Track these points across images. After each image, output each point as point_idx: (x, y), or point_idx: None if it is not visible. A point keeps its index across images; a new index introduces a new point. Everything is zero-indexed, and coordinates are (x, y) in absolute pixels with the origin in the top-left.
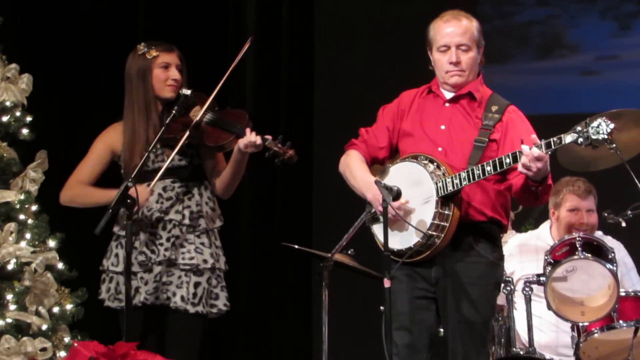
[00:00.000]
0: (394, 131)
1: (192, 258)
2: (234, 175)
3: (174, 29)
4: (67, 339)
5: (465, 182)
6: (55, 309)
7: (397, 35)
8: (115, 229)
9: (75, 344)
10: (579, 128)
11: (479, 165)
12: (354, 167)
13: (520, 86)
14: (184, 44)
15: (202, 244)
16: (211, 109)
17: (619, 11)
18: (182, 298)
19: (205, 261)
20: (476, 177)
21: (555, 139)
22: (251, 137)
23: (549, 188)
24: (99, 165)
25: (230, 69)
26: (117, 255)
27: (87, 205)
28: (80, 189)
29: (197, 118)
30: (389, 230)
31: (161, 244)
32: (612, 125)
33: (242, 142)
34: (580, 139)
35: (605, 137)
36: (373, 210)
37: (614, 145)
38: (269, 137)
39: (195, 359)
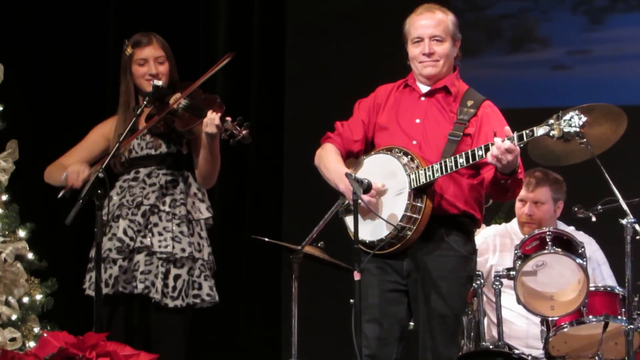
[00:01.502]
0: (369, 125)
1: (167, 246)
2: (206, 161)
3: (146, 16)
4: (36, 329)
5: (437, 174)
6: (25, 299)
7: (372, 28)
8: (103, 213)
9: (45, 334)
10: (551, 121)
11: (452, 158)
12: (328, 159)
13: (491, 80)
14: (155, 27)
15: (181, 232)
16: (189, 96)
17: (590, 5)
18: (159, 290)
19: (183, 250)
20: (449, 169)
21: (527, 132)
22: (210, 116)
23: (519, 182)
24: (88, 151)
25: (203, 78)
26: (100, 245)
27: (54, 181)
28: (54, 165)
29: (172, 106)
30: (361, 221)
31: (139, 231)
32: (584, 119)
33: (204, 125)
34: (553, 132)
35: (578, 130)
36: (346, 201)
37: (585, 139)
38: (228, 118)
39: (180, 351)
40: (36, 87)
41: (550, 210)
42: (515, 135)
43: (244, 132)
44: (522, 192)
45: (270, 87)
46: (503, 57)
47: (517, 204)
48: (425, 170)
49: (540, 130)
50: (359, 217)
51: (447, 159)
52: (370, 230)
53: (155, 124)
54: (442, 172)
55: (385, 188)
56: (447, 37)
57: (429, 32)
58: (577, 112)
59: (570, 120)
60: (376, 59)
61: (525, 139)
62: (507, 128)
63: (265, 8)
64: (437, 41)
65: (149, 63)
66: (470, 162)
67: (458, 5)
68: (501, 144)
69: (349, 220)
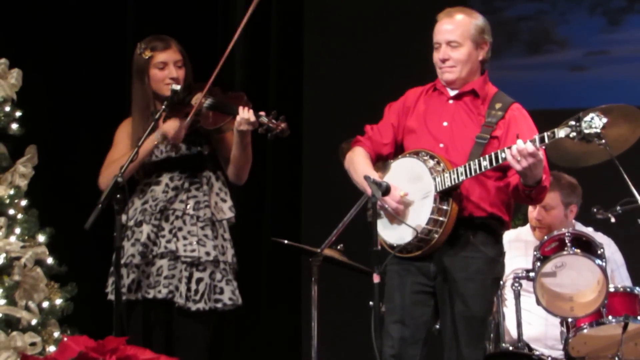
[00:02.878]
0: (399, 128)
1: (193, 250)
2: (239, 158)
3: (164, 20)
4: (56, 334)
5: (462, 177)
6: (45, 304)
7: (390, 27)
8: (123, 218)
9: (65, 339)
10: (572, 122)
11: (476, 160)
12: (357, 163)
13: (509, 82)
14: (173, 33)
15: (206, 235)
16: (211, 94)
17: (608, 7)
18: (183, 294)
19: (207, 254)
20: (473, 172)
21: (548, 134)
22: (244, 114)
23: (544, 190)
24: (124, 151)
25: (235, 37)
26: (123, 248)
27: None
28: (108, 166)
29: (197, 104)
30: (389, 225)
31: (163, 236)
32: (605, 120)
33: (236, 120)
34: (573, 133)
35: (598, 131)
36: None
37: (604, 140)
38: (262, 113)
39: (203, 356)
40: (55, 92)
41: (560, 215)
42: (537, 137)
43: (283, 125)
44: None
45: (289, 86)
46: (521, 59)
47: (529, 208)
48: (450, 173)
49: (561, 132)
50: (387, 221)
51: (472, 162)
52: (397, 234)
53: (191, 124)
54: (466, 175)
55: (407, 196)
56: (466, 41)
57: (444, 37)
58: (597, 113)
59: (591, 121)
60: (395, 56)
61: (546, 140)
62: (533, 133)
63: (283, 6)
64: (452, 47)
65: (169, 67)
66: (494, 164)
67: (476, 7)
68: (522, 146)
69: (379, 223)
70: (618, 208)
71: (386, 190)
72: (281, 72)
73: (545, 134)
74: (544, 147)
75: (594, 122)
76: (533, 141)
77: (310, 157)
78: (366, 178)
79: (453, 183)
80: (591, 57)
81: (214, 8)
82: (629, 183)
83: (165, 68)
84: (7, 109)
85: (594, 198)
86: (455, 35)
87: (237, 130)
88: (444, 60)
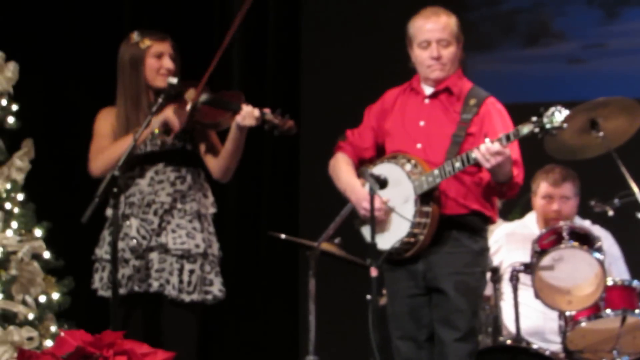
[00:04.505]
0: (379, 130)
1: (183, 243)
2: (233, 154)
3: (161, 15)
4: (53, 328)
5: (438, 179)
6: (42, 298)
7: (386, 25)
8: (108, 212)
9: (62, 333)
10: (534, 118)
11: (449, 162)
12: (339, 169)
13: (506, 74)
14: (169, 30)
15: (194, 228)
16: (206, 91)
17: None
18: (175, 286)
19: (197, 246)
20: (447, 174)
21: (512, 132)
22: (249, 109)
23: (516, 186)
24: (110, 138)
25: (230, 35)
26: (109, 243)
27: (118, 157)
28: (104, 150)
29: (194, 99)
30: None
31: (153, 229)
32: (565, 112)
33: (240, 115)
34: (536, 129)
35: (559, 125)
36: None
37: (602, 133)
38: (267, 110)
39: (193, 348)
40: (52, 85)
41: (575, 206)
42: (502, 136)
43: (290, 122)
44: (548, 189)
45: (286, 82)
46: (519, 51)
47: (541, 201)
48: (427, 176)
49: (524, 129)
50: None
51: (446, 164)
52: (384, 239)
53: (188, 118)
54: (442, 177)
55: (389, 202)
56: (453, 40)
57: (436, 35)
58: (558, 107)
59: (552, 116)
60: (392, 55)
61: (511, 138)
62: (505, 128)
63: (280, 6)
64: (443, 46)
65: (165, 57)
66: (466, 165)
67: (474, 0)
68: (489, 145)
69: (365, 230)
70: (616, 201)
71: (384, 184)
72: (279, 68)
73: (510, 132)
74: (508, 143)
75: (555, 116)
76: (499, 140)
77: (307, 151)
78: (364, 171)
79: (430, 185)
80: (589, 49)
81: (211, 7)
82: (627, 176)
83: (162, 58)
84: (4, 102)
85: (591, 191)
86: (446, 33)
87: (238, 125)
88: (437, 58)
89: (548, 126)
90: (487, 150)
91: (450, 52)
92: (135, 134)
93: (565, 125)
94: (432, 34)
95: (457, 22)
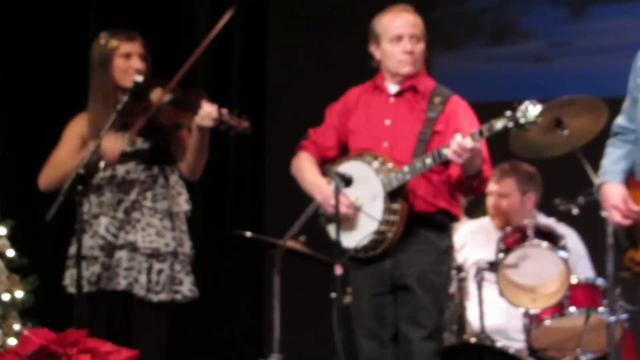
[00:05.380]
0: (342, 129)
1: (152, 242)
2: (197, 153)
3: (127, 13)
4: (17, 327)
5: (408, 176)
6: (5, 297)
7: (352, 25)
8: (86, 208)
9: (26, 331)
10: (507, 113)
11: (420, 158)
12: (303, 169)
13: (473, 73)
14: (136, 28)
15: (165, 227)
16: (171, 90)
17: None
18: (144, 286)
19: (167, 245)
20: (418, 170)
21: (485, 127)
22: (207, 108)
23: (485, 180)
24: (72, 152)
25: (208, 39)
26: (80, 241)
27: (64, 176)
28: (50, 167)
29: (156, 101)
30: (342, 231)
31: (122, 228)
32: (539, 107)
33: (199, 116)
34: (510, 123)
35: (534, 119)
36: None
37: (566, 131)
38: (224, 110)
39: (161, 347)
40: (15, 85)
41: (516, 202)
42: (475, 131)
43: (245, 123)
44: (489, 185)
45: (252, 79)
46: (485, 49)
47: (487, 197)
48: (396, 173)
49: (498, 124)
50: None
51: (416, 160)
52: (351, 237)
53: (143, 121)
54: (412, 174)
55: (358, 200)
56: (422, 37)
57: (408, 31)
58: (532, 101)
59: (526, 110)
60: (358, 53)
61: (484, 134)
62: (472, 125)
63: (246, 5)
64: (415, 41)
65: (134, 57)
66: (437, 161)
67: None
68: (460, 141)
69: (331, 228)
70: (580, 199)
71: (349, 182)
72: (244, 67)
73: (483, 127)
74: (480, 138)
75: (529, 110)
76: (472, 135)
77: (272, 150)
78: (329, 169)
79: (400, 182)
80: (554, 48)
81: (177, 9)
82: (592, 174)
83: (131, 58)
84: None
85: (556, 189)
86: (417, 30)
87: (197, 125)
88: (410, 53)
89: (522, 121)
90: (459, 145)
91: (420, 49)
92: (83, 159)
93: (539, 119)
94: (404, 29)
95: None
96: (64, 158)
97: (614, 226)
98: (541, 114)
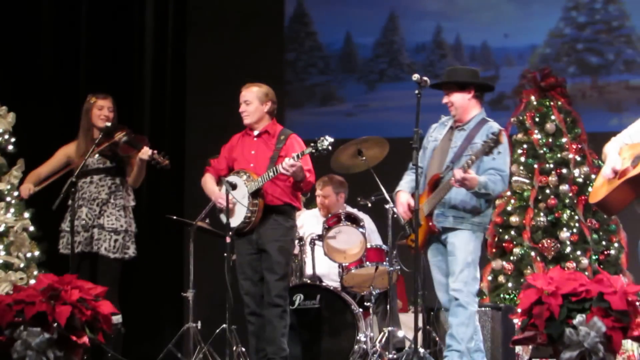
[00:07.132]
0: (229, 159)
1: (113, 224)
2: (139, 173)
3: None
4: (35, 273)
5: (261, 182)
6: (29, 255)
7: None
8: (70, 202)
9: (40, 276)
10: (312, 144)
11: (267, 172)
12: (206, 182)
13: (310, 123)
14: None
15: (121, 215)
16: (127, 135)
17: (368, 78)
18: (106, 249)
19: (121, 226)
20: (267, 178)
21: (300, 152)
22: (145, 149)
23: (309, 183)
24: (52, 166)
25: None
26: (70, 221)
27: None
28: (31, 175)
29: (116, 139)
30: (230, 217)
31: (95, 215)
32: (330, 140)
33: (141, 153)
34: (313, 150)
35: (326, 147)
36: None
37: (364, 158)
38: (154, 151)
39: (115, 286)
40: (31, 124)
41: (333, 200)
42: (294, 155)
43: (166, 162)
44: (317, 190)
45: (177, 130)
46: (317, 108)
47: (316, 197)
48: (255, 182)
49: (306, 150)
50: (226, 214)
51: (266, 173)
52: (234, 220)
53: (104, 148)
54: (264, 181)
55: (235, 198)
56: (255, 100)
57: (242, 99)
58: (326, 136)
59: (322, 142)
60: (260, 56)
61: (300, 156)
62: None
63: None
64: (246, 104)
65: (104, 109)
66: (276, 173)
67: (290, 77)
68: (287, 161)
69: (222, 215)
70: (372, 198)
71: (234, 187)
72: (172, 121)
73: (299, 152)
74: (300, 157)
75: (324, 142)
76: (292, 157)
77: (190, 165)
78: (223, 178)
79: (258, 186)
80: (358, 108)
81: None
82: (379, 183)
83: (102, 109)
84: (6, 136)
85: (358, 191)
86: (248, 97)
87: (139, 158)
88: (241, 112)
89: (320, 147)
90: (286, 163)
91: (249, 107)
92: (84, 154)
93: (330, 148)
94: (241, 98)
95: (266, 91)
96: (43, 174)
97: (403, 220)
98: (331, 145)
